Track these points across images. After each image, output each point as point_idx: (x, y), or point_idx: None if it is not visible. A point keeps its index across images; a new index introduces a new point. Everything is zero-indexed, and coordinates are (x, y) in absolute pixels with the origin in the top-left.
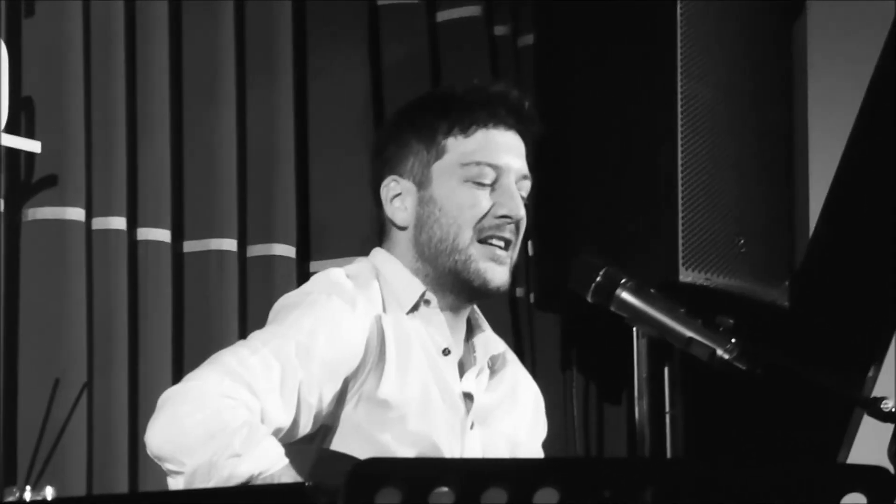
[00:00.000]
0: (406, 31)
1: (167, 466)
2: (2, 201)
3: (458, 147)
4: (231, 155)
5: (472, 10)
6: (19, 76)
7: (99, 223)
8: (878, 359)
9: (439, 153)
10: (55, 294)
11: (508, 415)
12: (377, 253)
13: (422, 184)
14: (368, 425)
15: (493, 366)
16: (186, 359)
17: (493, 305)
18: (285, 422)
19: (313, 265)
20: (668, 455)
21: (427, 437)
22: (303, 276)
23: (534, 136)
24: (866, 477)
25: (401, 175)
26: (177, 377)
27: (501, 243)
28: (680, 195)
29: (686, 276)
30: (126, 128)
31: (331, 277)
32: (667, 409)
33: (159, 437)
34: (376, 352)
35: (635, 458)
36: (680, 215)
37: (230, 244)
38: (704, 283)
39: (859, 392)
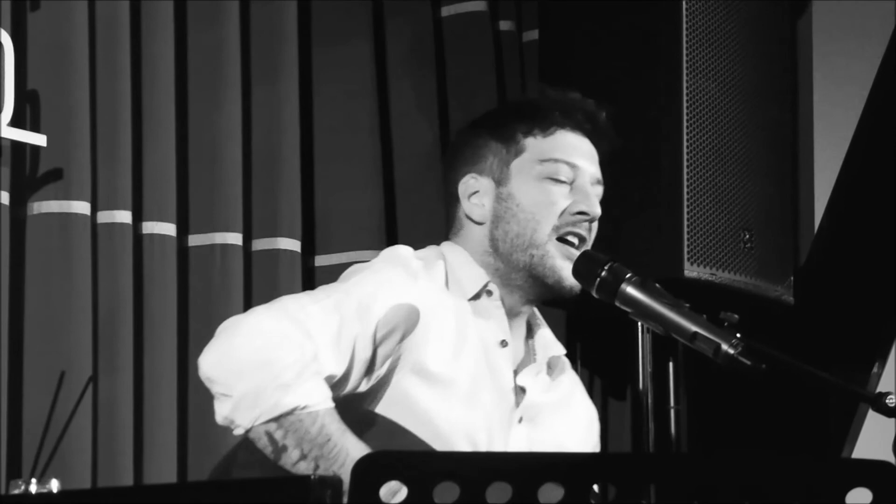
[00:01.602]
0: (411, 26)
1: (216, 389)
2: (7, 195)
3: (537, 145)
4: (236, 149)
5: (477, 6)
6: (25, 70)
7: (104, 217)
8: (882, 354)
9: (518, 151)
10: (60, 288)
11: (559, 421)
12: (446, 244)
13: (500, 181)
14: (416, 395)
15: (552, 370)
16: (191, 352)
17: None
18: (337, 371)
19: (318, 259)
20: (672, 450)
21: (469, 417)
22: (307, 270)
23: (607, 148)
24: (871, 472)
25: (479, 173)
26: (182, 370)
27: (576, 240)
28: (685, 190)
29: (691, 271)
30: (131, 121)
31: (398, 251)
32: (671, 404)
33: (212, 359)
34: (434, 326)
35: (640, 454)
36: (685, 210)
37: (235, 238)
38: (709, 279)
39: (864, 387)
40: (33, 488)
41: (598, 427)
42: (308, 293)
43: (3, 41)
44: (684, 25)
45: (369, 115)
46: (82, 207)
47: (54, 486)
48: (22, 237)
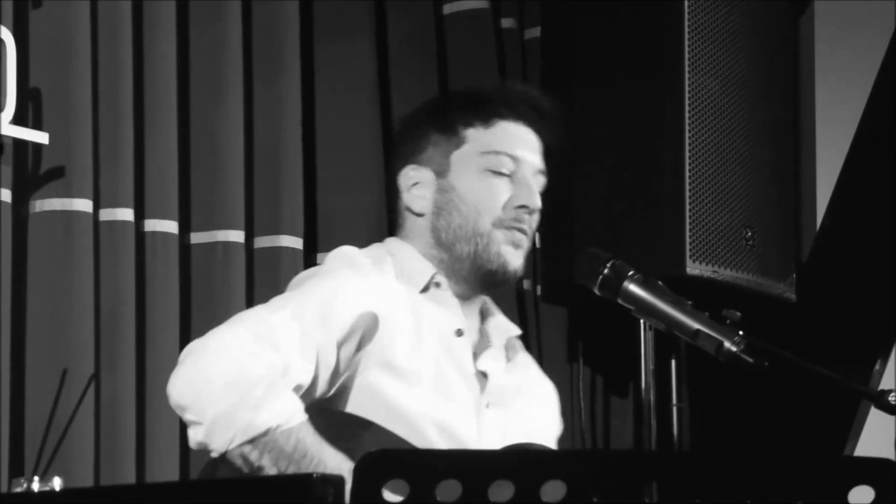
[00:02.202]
0: (413, 23)
1: (188, 417)
2: (9, 193)
3: (479, 137)
4: (238, 146)
5: (478, 3)
6: (27, 67)
7: (106, 214)
8: (884, 352)
9: (459, 142)
10: (62, 286)
11: (525, 403)
12: (390, 240)
13: (440, 172)
14: (385, 390)
15: (508, 352)
16: None
17: (499, 298)
18: (305, 379)
19: (320, 257)
20: (675, 448)
21: (440, 407)
22: (310, 267)
23: (554, 137)
24: (873, 469)
25: (419, 164)
26: None
27: (521, 234)
28: (687, 187)
29: (693, 268)
30: (133, 119)
31: (345, 252)
32: (673, 401)
33: (181, 385)
34: (393, 322)
35: (642, 451)
36: (687, 208)
37: (237, 235)
38: (711, 276)
39: (866, 385)
40: (35, 486)
41: (558, 400)
42: (264, 305)
43: (4, 39)
44: (686, 23)
45: (371, 113)
46: (84, 205)
47: (56, 484)
48: (24, 235)
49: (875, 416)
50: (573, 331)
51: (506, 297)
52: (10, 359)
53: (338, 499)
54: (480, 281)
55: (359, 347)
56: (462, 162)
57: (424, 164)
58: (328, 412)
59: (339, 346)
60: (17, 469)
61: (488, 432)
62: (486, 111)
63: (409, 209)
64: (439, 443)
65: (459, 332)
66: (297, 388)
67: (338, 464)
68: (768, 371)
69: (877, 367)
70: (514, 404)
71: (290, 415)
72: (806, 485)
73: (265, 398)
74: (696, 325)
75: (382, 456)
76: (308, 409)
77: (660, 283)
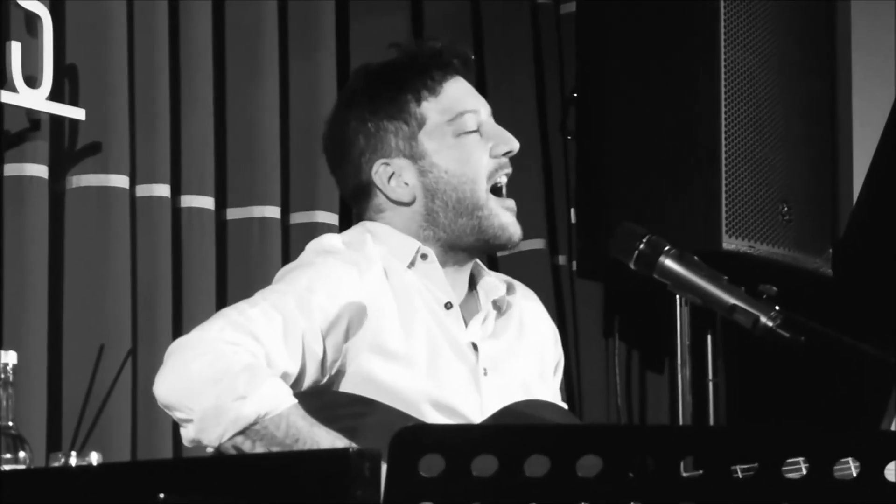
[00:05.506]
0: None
1: (176, 415)
2: (46, 169)
3: (436, 107)
4: (274, 122)
5: None
6: (63, 44)
7: (143, 190)
8: None
9: (420, 121)
10: (99, 261)
11: (516, 357)
12: (366, 222)
13: (414, 156)
14: (378, 373)
15: (500, 310)
16: None
17: (534, 273)
18: (291, 367)
19: None
20: (711, 423)
21: (436, 384)
22: None
23: (474, 76)
24: None
25: (388, 156)
26: None
27: (505, 179)
28: (723, 162)
29: (729, 243)
30: (169, 95)
31: (324, 242)
32: (709, 376)
33: (165, 385)
34: (378, 305)
35: (677, 426)
36: (723, 183)
37: (273, 211)
38: (748, 251)
39: None
40: (73, 461)
41: (554, 335)
42: (246, 300)
43: (41, 15)
44: None
45: None
46: (121, 181)
47: (94, 458)
48: (61, 211)
49: None
50: (609, 306)
51: (541, 272)
52: (48, 334)
53: (374, 473)
54: (483, 250)
55: (347, 335)
56: (433, 137)
57: (393, 154)
58: (325, 392)
59: (325, 334)
60: (54, 444)
61: (489, 399)
62: (429, 80)
63: (397, 200)
64: (438, 421)
65: (449, 305)
66: (283, 377)
67: (330, 443)
68: (804, 346)
69: None
70: (509, 363)
71: (278, 400)
72: (843, 457)
73: (249, 388)
74: (733, 300)
75: (418, 431)
76: (299, 394)
77: (696, 258)
